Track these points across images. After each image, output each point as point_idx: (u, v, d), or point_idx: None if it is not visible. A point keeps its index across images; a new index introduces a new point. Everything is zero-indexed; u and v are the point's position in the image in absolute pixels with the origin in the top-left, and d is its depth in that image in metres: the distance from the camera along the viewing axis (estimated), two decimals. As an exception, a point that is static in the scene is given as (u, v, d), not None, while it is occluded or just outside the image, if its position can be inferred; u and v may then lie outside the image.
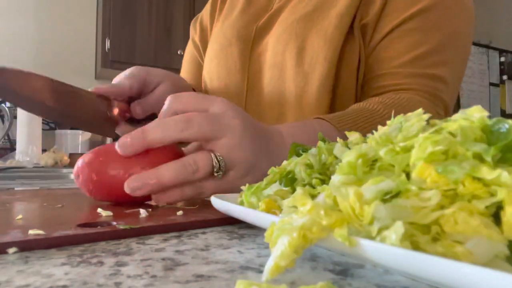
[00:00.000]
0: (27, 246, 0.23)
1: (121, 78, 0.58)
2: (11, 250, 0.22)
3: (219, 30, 0.80)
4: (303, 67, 0.64)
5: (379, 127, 0.24)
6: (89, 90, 0.47)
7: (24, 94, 0.42)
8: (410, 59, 0.60)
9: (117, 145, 0.37)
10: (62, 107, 0.43)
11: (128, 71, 0.59)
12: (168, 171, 0.36)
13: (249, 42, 0.74)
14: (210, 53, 0.80)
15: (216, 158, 0.38)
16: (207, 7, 0.89)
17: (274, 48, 0.69)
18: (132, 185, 0.36)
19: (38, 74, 0.42)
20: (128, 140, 0.37)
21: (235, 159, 0.39)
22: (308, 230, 0.17)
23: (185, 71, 0.91)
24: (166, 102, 0.40)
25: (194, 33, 0.90)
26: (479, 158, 0.17)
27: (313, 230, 0.17)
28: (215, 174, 0.38)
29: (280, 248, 0.17)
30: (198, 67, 0.89)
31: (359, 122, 0.52)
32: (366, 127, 0.51)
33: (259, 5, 0.77)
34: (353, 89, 0.64)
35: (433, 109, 0.58)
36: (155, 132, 0.36)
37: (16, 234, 0.24)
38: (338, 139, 0.27)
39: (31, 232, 0.24)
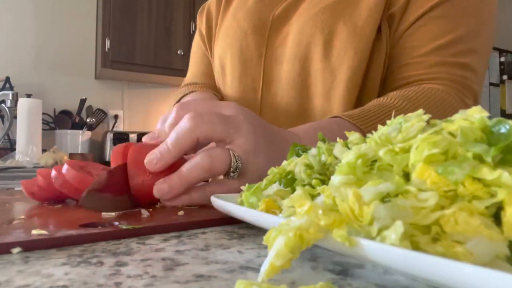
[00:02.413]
0: (31, 246, 0.23)
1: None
2: (15, 250, 0.22)
3: (232, 21, 0.77)
4: (330, 61, 0.62)
5: (379, 126, 0.24)
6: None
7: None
8: (436, 47, 0.57)
9: (145, 162, 0.36)
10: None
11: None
12: (187, 171, 0.35)
13: (266, 32, 0.71)
14: (223, 45, 0.77)
15: (235, 158, 0.36)
16: None
17: (296, 39, 0.66)
18: (161, 189, 0.35)
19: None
20: (150, 158, 0.36)
21: (249, 164, 0.37)
22: (305, 231, 0.17)
23: (193, 64, 0.88)
24: (173, 111, 0.39)
25: (201, 23, 0.87)
26: (479, 158, 0.17)
27: (310, 231, 0.17)
28: (231, 174, 0.36)
29: (276, 248, 0.17)
30: (206, 59, 0.86)
31: (381, 119, 0.49)
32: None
33: None
34: (379, 84, 0.62)
35: (461, 99, 0.56)
36: (167, 142, 0.35)
37: (19, 234, 0.24)
38: (338, 139, 0.27)
39: (34, 232, 0.24)
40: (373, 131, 0.24)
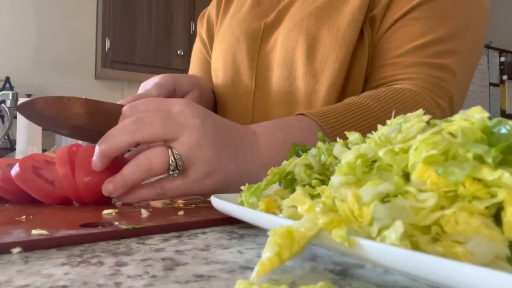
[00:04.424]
0: (31, 246, 0.23)
1: (149, 87, 0.55)
2: (15, 250, 0.22)
3: (227, 27, 0.78)
4: (313, 66, 0.62)
5: (379, 126, 0.24)
6: (118, 103, 0.45)
7: (62, 121, 0.42)
8: (413, 48, 0.57)
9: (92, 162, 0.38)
10: (97, 127, 0.42)
11: (156, 79, 0.56)
12: (127, 172, 0.37)
13: (258, 39, 0.71)
14: (217, 51, 0.78)
15: (173, 156, 0.37)
16: (214, 1, 0.87)
17: (283, 44, 0.66)
18: (106, 188, 0.37)
19: (73, 97, 0.41)
20: (93, 158, 0.38)
21: (194, 159, 0.37)
22: (296, 230, 0.17)
23: (194, 68, 0.89)
24: (123, 113, 0.39)
25: (201, 28, 0.88)
26: (479, 159, 0.17)
27: (301, 229, 0.17)
28: (171, 173, 0.37)
29: (266, 246, 0.17)
30: (206, 64, 0.87)
31: (346, 117, 0.49)
32: (353, 123, 0.48)
33: (268, 1, 0.75)
34: (361, 87, 0.61)
35: (433, 100, 0.55)
36: (105, 142, 0.37)
37: (19, 234, 0.24)
38: (338, 139, 0.27)
39: (34, 232, 0.24)
40: (371, 132, 0.24)
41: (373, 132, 0.24)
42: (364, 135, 0.46)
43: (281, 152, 0.43)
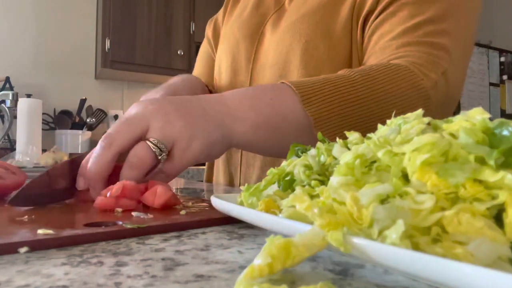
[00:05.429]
0: (39, 246, 0.23)
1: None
2: (23, 249, 0.22)
3: (229, 30, 0.81)
4: (308, 70, 0.62)
5: (379, 126, 0.24)
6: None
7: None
8: (403, 30, 0.56)
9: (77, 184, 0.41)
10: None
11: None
12: (125, 174, 0.39)
13: (255, 41, 0.73)
14: (220, 53, 0.81)
15: (152, 143, 0.39)
16: (222, 7, 0.91)
17: (278, 47, 0.68)
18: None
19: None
20: (78, 181, 0.40)
21: (171, 135, 0.40)
22: (294, 246, 0.17)
23: (199, 65, 0.92)
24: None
25: (209, 30, 0.92)
26: (480, 161, 0.17)
27: (300, 248, 0.17)
28: (159, 158, 0.39)
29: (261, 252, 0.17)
30: (211, 61, 0.90)
31: (325, 85, 0.48)
32: (331, 90, 0.47)
33: (268, 4, 0.76)
34: None
35: (421, 72, 0.52)
36: (92, 166, 0.39)
37: (25, 234, 0.24)
38: (337, 139, 0.27)
39: (40, 231, 0.24)
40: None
41: (371, 133, 0.24)
42: (343, 103, 0.46)
43: (250, 105, 0.45)
